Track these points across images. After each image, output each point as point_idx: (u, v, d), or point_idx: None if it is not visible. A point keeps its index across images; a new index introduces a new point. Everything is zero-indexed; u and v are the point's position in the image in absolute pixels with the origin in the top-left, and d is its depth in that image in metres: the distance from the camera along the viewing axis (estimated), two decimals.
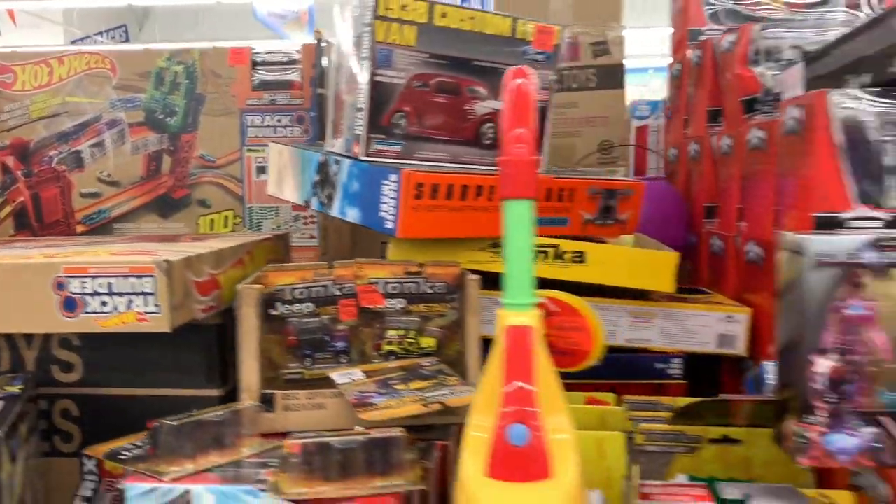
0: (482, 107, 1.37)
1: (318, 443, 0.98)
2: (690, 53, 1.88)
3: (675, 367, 1.45)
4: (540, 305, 0.87)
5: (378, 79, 1.27)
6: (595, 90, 2.24)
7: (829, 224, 1.00)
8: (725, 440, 1.13)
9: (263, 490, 0.97)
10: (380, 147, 1.29)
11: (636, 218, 1.54)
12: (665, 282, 1.40)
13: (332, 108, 1.41)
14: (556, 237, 1.40)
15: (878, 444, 0.85)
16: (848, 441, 0.85)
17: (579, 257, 1.40)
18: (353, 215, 1.31)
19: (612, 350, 1.48)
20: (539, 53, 1.41)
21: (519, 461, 0.79)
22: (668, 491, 0.96)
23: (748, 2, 1.96)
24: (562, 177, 1.44)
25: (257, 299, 1.19)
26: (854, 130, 0.99)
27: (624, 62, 2.23)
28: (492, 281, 1.48)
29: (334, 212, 1.36)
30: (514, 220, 0.85)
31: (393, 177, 1.20)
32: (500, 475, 0.80)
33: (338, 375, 1.26)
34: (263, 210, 1.86)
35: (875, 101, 1.00)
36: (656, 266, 1.41)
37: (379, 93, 1.27)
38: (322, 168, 1.38)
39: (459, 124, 1.36)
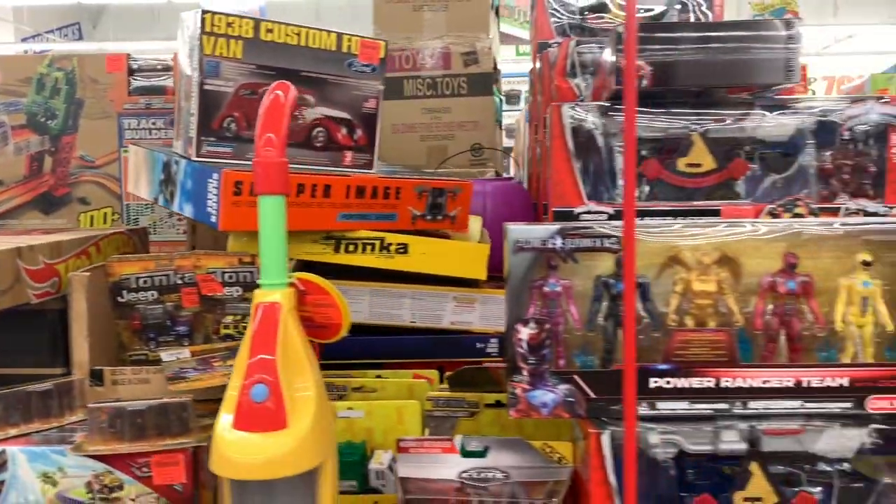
0: (311, 113, 1.52)
1: (117, 407, 1.12)
2: (537, 64, 2.05)
3: (493, 347, 1.61)
4: (291, 285, 1.02)
5: (207, 87, 1.41)
6: (466, 97, 2.41)
7: (565, 217, 1.17)
8: (498, 405, 1.30)
9: (69, 449, 1.11)
10: (211, 149, 1.44)
11: (466, 213, 1.71)
12: (478, 270, 1.57)
13: (176, 114, 1.55)
14: (384, 231, 1.56)
15: (571, 398, 1.02)
16: (547, 396, 1.02)
17: (403, 249, 1.56)
18: (188, 210, 1.45)
19: (440, 332, 1.65)
20: (365, 66, 1.56)
21: (259, 415, 0.95)
22: (422, 444, 1.13)
23: (593, 16, 2.15)
24: (392, 177, 1.60)
25: (86, 285, 1.32)
26: (584, 138, 1.17)
27: (493, 70, 2.40)
28: (328, 271, 1.64)
29: (175, 207, 1.50)
30: (266, 212, 1.01)
31: (215, 175, 1.34)
32: (243, 426, 0.95)
33: (166, 355, 1.40)
34: (140, 207, 1.99)
35: (601, 113, 1.17)
36: (470, 257, 1.57)
37: (208, 100, 1.42)
38: (166, 168, 1.52)
39: (291, 129, 1.51)
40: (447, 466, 1.11)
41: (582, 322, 1.03)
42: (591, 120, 1.16)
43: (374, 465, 1.26)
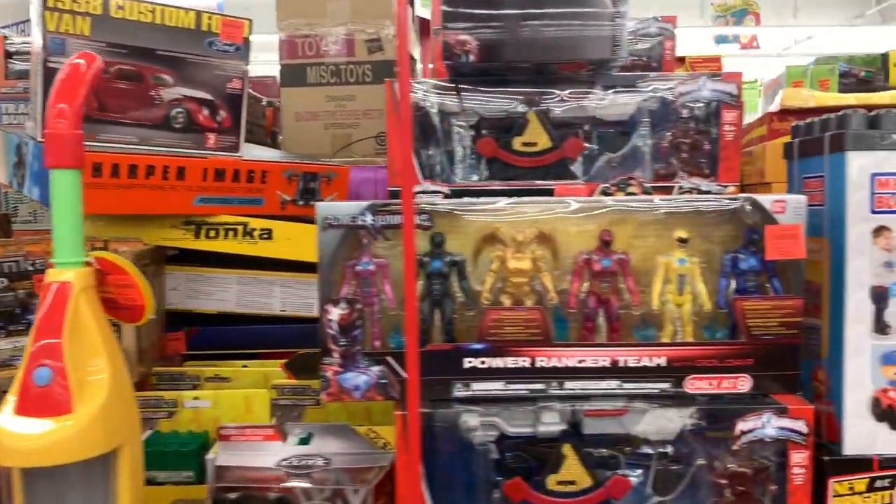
0: (169, 93, 1.47)
1: None
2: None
3: None
4: (88, 264, 0.97)
5: (51, 65, 1.35)
6: (370, 84, 2.36)
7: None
8: None
9: None
10: None
11: (343, 198, 1.67)
12: None
13: (32, 95, 1.49)
14: (249, 216, 1.52)
15: (384, 380, 0.99)
16: (360, 378, 0.99)
17: (267, 234, 1.52)
18: (35, 193, 1.39)
19: (312, 321, 1.61)
20: (227, 45, 1.52)
21: (42, 399, 0.90)
22: (243, 432, 1.09)
23: None
24: (257, 160, 1.55)
25: None
26: (421, 117, 1.13)
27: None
28: (197, 258, 1.59)
29: (26, 191, 1.44)
30: (59, 187, 0.96)
31: None
32: (26, 411, 0.90)
33: (5, 342, 1.34)
34: (19, 195, 1.92)
35: (440, 92, 1.14)
36: None
37: (53, 78, 1.36)
38: (18, 150, 1.46)
39: (147, 109, 1.46)
40: (268, 454, 1.07)
41: (396, 302, 1.00)
42: (427, 98, 1.13)
43: (210, 455, 1.21)
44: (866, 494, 1.05)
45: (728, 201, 1.00)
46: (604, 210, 1.01)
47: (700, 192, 1.11)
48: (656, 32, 1.78)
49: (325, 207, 0.97)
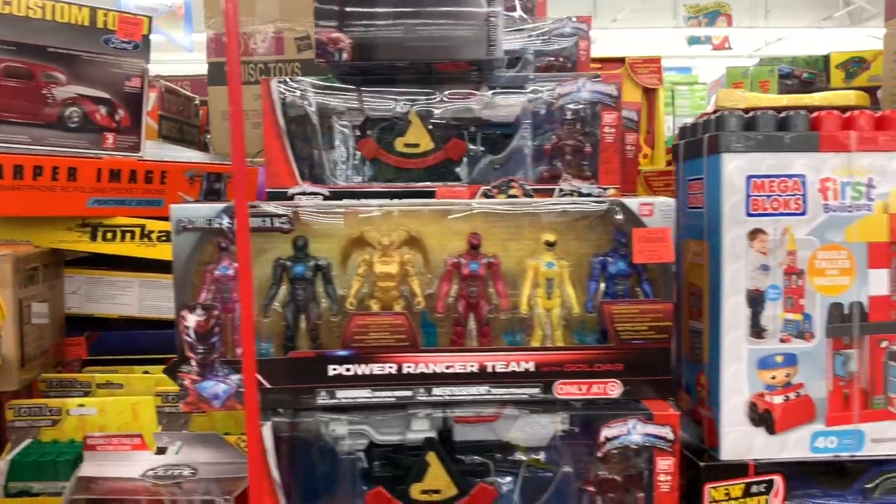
0: (62, 92, 1.43)
1: None
2: None
3: None
4: None
5: None
6: None
7: (279, 197, 1.11)
8: None
9: None
10: None
11: (252, 198, 1.63)
12: None
13: None
14: (149, 218, 1.48)
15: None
16: (219, 387, 0.96)
17: (166, 236, 1.48)
18: None
19: None
20: (125, 42, 1.48)
21: None
22: (111, 441, 1.05)
23: None
24: (156, 160, 1.51)
25: None
26: (297, 116, 1.11)
27: None
28: (98, 261, 1.55)
29: None
30: None
31: None
32: None
33: None
34: None
35: (318, 91, 1.12)
36: None
37: None
38: None
39: (39, 108, 1.42)
40: (134, 464, 1.04)
41: (258, 307, 0.97)
42: (305, 97, 1.10)
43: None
44: (742, 499, 1.04)
45: (595, 205, 0.99)
46: (470, 213, 0.99)
47: (581, 194, 1.10)
48: (571, 32, 1.76)
49: (179, 209, 0.94)
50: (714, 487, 1.04)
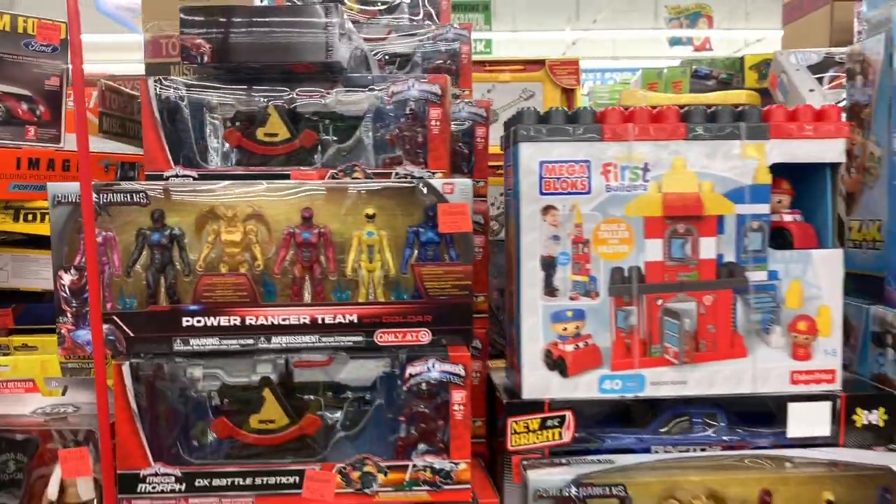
0: None
1: None
2: None
3: None
4: None
5: None
6: None
7: (156, 179, 1.30)
8: None
9: None
10: None
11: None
12: None
13: None
14: None
15: (111, 336, 1.16)
16: (90, 335, 1.15)
17: None
18: None
19: None
20: (44, 46, 1.67)
21: None
22: (7, 385, 1.24)
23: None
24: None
25: None
26: (171, 109, 1.30)
27: None
28: (21, 241, 1.74)
29: None
30: None
31: None
32: None
33: None
34: None
35: (190, 88, 1.31)
36: None
37: None
38: None
39: None
40: (27, 404, 1.23)
41: (122, 269, 1.16)
42: (178, 93, 1.29)
43: None
44: (539, 431, 1.24)
45: (406, 184, 1.19)
46: (307, 191, 1.19)
47: (413, 177, 1.29)
48: (453, 38, 1.96)
49: (54, 187, 1.14)
50: (515, 421, 1.24)
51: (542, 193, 1.23)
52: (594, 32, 12.37)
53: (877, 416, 1.27)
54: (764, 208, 1.26)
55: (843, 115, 1.53)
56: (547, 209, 1.23)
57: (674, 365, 1.26)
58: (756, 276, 1.26)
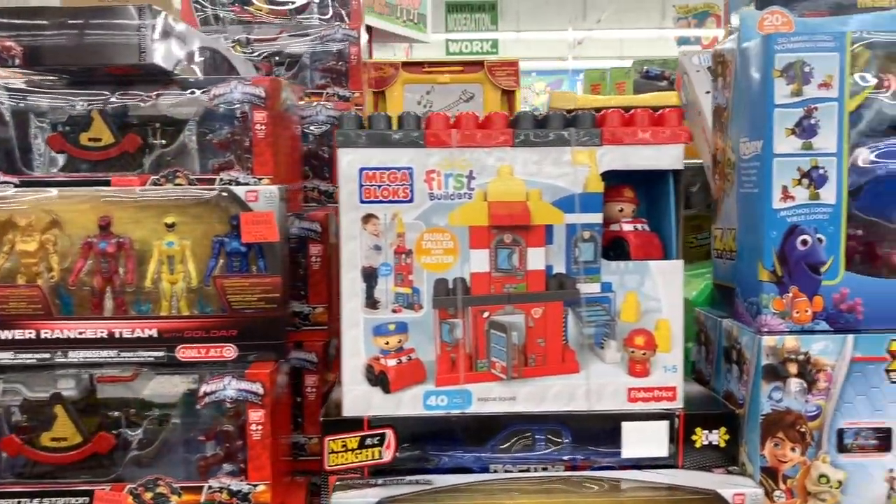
0: None
1: None
2: None
3: None
4: None
5: None
6: None
7: None
8: None
9: None
10: None
11: None
12: None
13: None
14: None
15: None
16: None
17: None
18: None
19: None
20: None
21: None
22: None
23: (235, 7, 2.25)
24: None
25: None
26: None
27: None
28: None
29: None
30: None
31: None
32: None
33: None
34: None
35: (12, 90, 1.26)
36: None
37: None
38: None
39: None
40: None
41: None
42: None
43: None
44: (358, 450, 1.19)
45: (208, 191, 1.14)
46: (106, 199, 1.14)
47: (238, 183, 1.24)
48: (342, 38, 1.92)
49: None
50: (332, 440, 1.18)
51: (362, 202, 1.18)
52: (601, 32, 12.29)
53: (717, 436, 1.21)
54: (596, 217, 1.20)
55: (710, 119, 1.48)
56: (368, 218, 1.18)
57: (502, 380, 1.20)
58: (588, 288, 1.20)
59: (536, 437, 1.26)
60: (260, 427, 1.10)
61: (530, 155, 1.19)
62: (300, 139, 1.56)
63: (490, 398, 1.21)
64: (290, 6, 2.25)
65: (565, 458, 1.23)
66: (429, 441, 1.24)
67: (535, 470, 1.23)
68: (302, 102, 1.69)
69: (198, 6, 2.20)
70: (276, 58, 1.96)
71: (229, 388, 1.10)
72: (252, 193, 1.12)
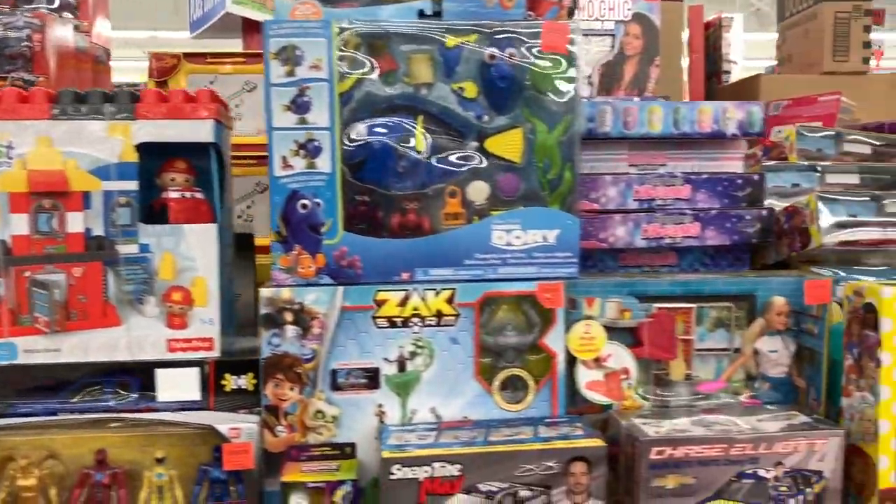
0: None
1: None
2: None
3: None
4: None
5: None
6: None
7: None
8: None
9: None
10: None
11: None
12: None
13: None
14: None
15: None
16: None
17: None
18: None
19: None
20: None
21: None
22: None
23: None
24: None
25: None
26: None
27: None
28: None
29: None
30: None
31: None
32: None
33: None
34: None
35: None
36: None
37: None
38: None
39: None
40: None
41: None
42: None
43: None
44: None
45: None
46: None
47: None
48: (23, 26, 2.01)
49: None
50: None
51: None
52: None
53: (245, 381, 1.35)
54: (132, 185, 1.33)
55: None
56: None
57: (46, 334, 1.32)
58: (127, 248, 1.33)
59: (105, 388, 1.38)
60: None
61: (67, 127, 1.31)
62: None
63: (35, 350, 1.33)
64: None
65: (137, 406, 1.35)
66: (21, 392, 1.35)
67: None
68: None
69: None
70: None
71: None
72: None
